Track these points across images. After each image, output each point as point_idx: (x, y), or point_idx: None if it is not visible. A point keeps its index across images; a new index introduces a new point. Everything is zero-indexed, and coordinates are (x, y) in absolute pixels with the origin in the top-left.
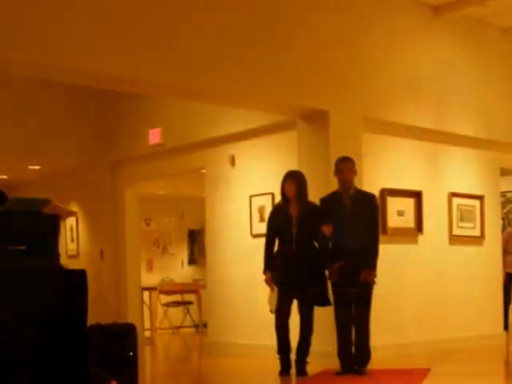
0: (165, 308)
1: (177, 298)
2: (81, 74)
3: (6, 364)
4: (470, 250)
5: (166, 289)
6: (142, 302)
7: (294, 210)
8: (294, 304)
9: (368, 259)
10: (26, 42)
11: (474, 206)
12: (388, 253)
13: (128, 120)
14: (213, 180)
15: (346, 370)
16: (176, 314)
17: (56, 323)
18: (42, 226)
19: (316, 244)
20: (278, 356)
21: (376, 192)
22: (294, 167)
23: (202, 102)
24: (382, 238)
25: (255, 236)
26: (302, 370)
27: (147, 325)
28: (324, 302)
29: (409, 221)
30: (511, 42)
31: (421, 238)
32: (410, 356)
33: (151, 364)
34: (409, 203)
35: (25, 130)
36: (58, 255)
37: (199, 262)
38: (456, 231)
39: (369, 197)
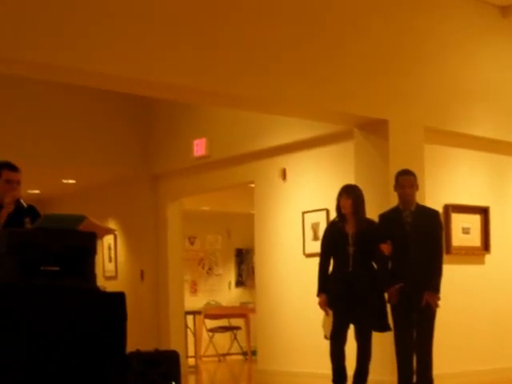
0: (210, 334)
1: (223, 322)
2: (124, 80)
3: None
4: None
5: (212, 313)
6: (186, 327)
7: (350, 228)
8: (351, 329)
9: (431, 281)
10: (59, 44)
11: None
12: (452, 274)
13: (171, 130)
14: (262, 195)
15: None
16: (222, 340)
17: (92, 349)
18: (77, 244)
19: (374, 264)
20: None
21: (439, 208)
22: (351, 181)
23: (250, 111)
24: (445, 257)
25: (308, 255)
26: None
27: (191, 352)
28: (383, 327)
29: (475, 239)
30: None
31: (488, 257)
32: None
33: None
34: (475, 220)
35: (58, 141)
36: (94, 276)
37: (247, 284)
38: None
39: (432, 213)
